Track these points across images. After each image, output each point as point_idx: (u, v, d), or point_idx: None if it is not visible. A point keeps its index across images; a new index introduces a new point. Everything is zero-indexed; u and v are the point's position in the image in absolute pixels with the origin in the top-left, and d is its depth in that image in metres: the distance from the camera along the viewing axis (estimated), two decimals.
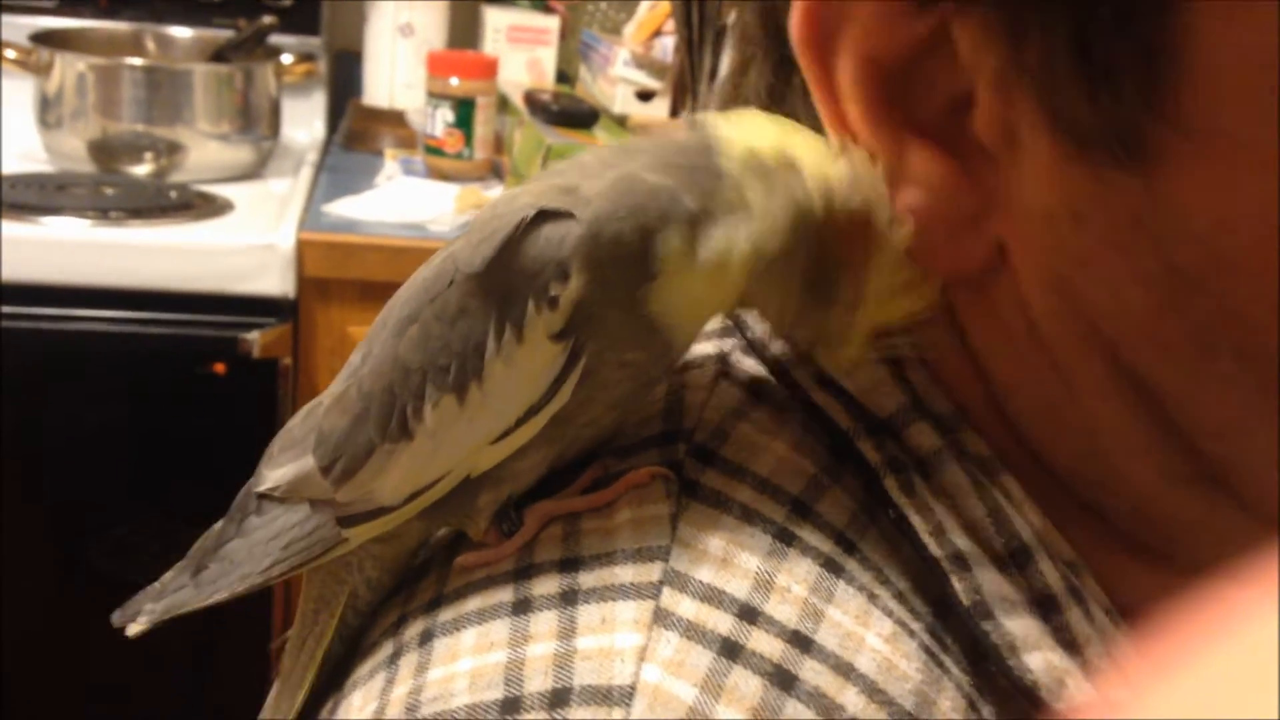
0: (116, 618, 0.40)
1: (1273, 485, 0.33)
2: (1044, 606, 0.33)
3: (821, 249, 0.33)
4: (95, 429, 1.41)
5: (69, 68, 1.55)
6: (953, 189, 0.32)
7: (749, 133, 0.34)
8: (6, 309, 1.34)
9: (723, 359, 0.39)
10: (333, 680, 0.38)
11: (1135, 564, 0.37)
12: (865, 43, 0.32)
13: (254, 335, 1.36)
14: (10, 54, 1.56)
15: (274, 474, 0.38)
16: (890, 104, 0.32)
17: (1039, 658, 0.32)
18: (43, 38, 1.62)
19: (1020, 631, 0.33)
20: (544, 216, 0.33)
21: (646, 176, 0.34)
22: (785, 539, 0.33)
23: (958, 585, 0.33)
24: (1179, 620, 0.18)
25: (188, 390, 1.38)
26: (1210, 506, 0.34)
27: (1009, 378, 0.35)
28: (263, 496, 0.39)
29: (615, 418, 0.36)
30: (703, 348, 0.39)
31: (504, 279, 0.34)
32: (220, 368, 1.36)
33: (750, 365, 0.38)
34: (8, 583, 1.36)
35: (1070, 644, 0.33)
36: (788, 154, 0.33)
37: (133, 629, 0.39)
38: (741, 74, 0.38)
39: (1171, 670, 0.17)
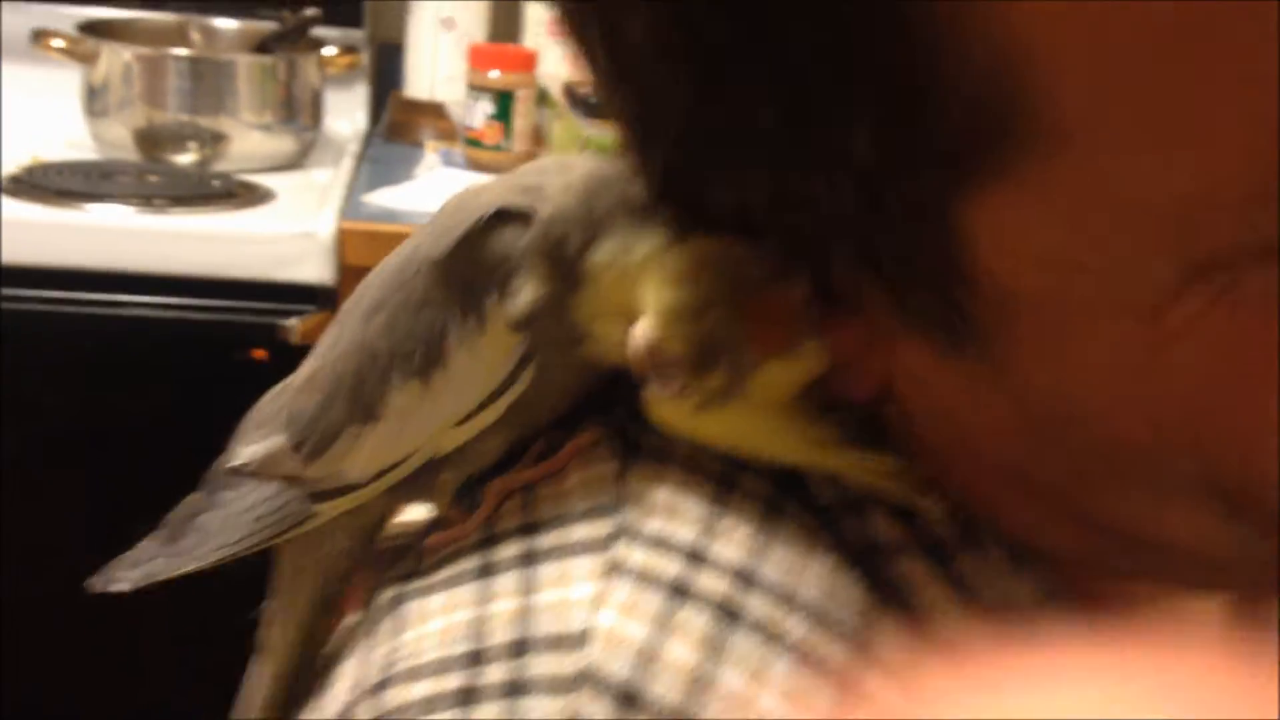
0: (92, 583, 0.41)
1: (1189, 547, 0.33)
2: (935, 553, 0.35)
3: (731, 321, 0.33)
4: (136, 412, 1.43)
5: (115, 57, 1.57)
6: (834, 334, 0.34)
7: None
8: (52, 294, 1.36)
9: None
10: (329, 659, 0.39)
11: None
12: None
13: (293, 322, 1.37)
14: (58, 43, 1.58)
15: (246, 450, 0.39)
16: None
17: (932, 592, 0.34)
18: (90, 27, 1.64)
19: (911, 569, 0.34)
20: (504, 215, 0.35)
21: (628, 187, 0.34)
22: (727, 486, 0.34)
23: (847, 527, 0.34)
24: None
25: (227, 375, 1.39)
26: (1145, 560, 0.35)
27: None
28: (236, 471, 0.40)
29: (569, 403, 0.37)
30: None
31: (466, 271, 0.35)
32: (260, 353, 1.37)
33: None
34: (49, 566, 1.38)
35: (966, 588, 0.34)
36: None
37: (109, 589, 0.40)
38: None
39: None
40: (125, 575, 0.40)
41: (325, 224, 1.40)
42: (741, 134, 0.30)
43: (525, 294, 0.34)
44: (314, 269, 1.39)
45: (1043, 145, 0.27)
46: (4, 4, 1.69)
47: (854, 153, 0.29)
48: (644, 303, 0.33)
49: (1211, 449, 0.30)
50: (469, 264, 0.35)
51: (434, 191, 1.53)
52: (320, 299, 1.39)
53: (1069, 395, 0.31)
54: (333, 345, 0.38)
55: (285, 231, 1.40)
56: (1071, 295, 0.29)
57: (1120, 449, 0.31)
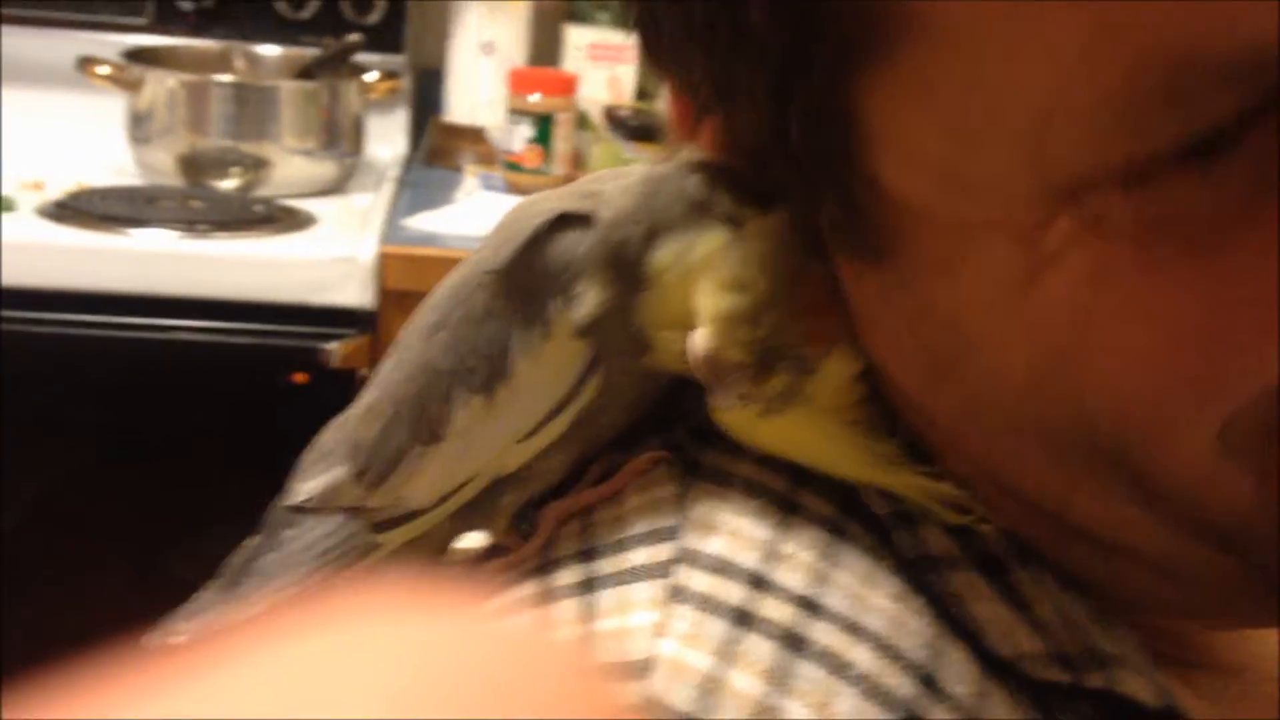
0: (151, 639, 0.40)
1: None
2: (989, 567, 0.34)
3: (787, 321, 0.33)
4: (178, 436, 1.44)
5: (159, 84, 1.59)
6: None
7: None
8: (97, 318, 1.37)
9: None
10: None
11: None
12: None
13: (334, 346, 1.37)
14: (103, 70, 1.60)
15: (306, 486, 0.39)
16: None
17: (986, 608, 0.33)
18: (134, 55, 1.65)
19: (964, 584, 0.33)
20: (565, 219, 0.34)
21: (685, 181, 0.34)
22: (789, 508, 0.33)
23: (900, 540, 0.33)
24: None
25: (268, 399, 1.40)
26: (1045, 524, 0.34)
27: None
28: (296, 509, 0.39)
29: (630, 418, 0.37)
30: None
31: (528, 279, 0.35)
32: (301, 377, 1.38)
33: None
34: (87, 586, 1.39)
35: (1020, 602, 0.33)
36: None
37: (167, 641, 0.39)
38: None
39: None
40: (187, 627, 0.39)
41: (366, 248, 1.41)
42: (675, 10, 0.31)
43: (589, 299, 0.34)
44: (355, 293, 1.39)
45: (914, 37, 0.28)
46: (50, 31, 1.71)
47: (753, 27, 0.29)
48: (701, 310, 0.33)
49: (1086, 403, 0.29)
50: (530, 271, 0.35)
51: (474, 215, 1.53)
52: (361, 323, 1.40)
53: (957, 322, 0.30)
54: (393, 370, 0.37)
55: (326, 256, 1.41)
56: (951, 207, 0.29)
57: (1001, 391, 0.30)
